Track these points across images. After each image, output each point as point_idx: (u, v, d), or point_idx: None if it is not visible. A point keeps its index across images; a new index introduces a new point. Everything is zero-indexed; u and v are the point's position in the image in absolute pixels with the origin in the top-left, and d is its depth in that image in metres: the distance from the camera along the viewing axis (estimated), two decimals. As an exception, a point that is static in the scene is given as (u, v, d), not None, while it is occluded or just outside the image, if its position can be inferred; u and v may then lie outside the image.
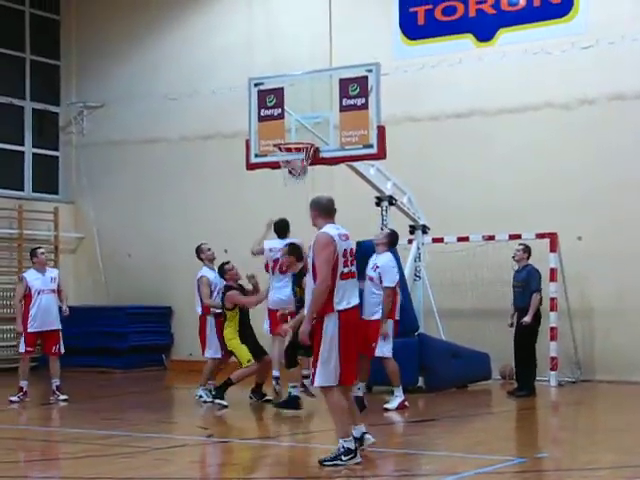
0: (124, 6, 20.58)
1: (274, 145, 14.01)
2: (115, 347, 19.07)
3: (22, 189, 20.65)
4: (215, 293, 13.81)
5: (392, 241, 13.05)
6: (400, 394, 12.69)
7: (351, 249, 8.85)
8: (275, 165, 14.10)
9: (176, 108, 19.70)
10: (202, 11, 19.98)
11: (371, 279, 12.60)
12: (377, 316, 12.40)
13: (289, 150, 13.75)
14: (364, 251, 14.69)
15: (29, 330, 13.87)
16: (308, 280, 8.75)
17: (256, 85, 14.43)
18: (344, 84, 13.97)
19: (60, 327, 14.15)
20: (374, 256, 12.85)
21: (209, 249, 14.35)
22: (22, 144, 20.69)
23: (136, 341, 19.21)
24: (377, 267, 12.63)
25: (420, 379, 14.40)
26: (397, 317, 12.68)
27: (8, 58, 20.44)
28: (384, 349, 12.48)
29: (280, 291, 13.35)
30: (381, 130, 13.62)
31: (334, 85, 14.35)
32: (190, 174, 19.76)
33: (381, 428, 11.40)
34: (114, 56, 20.67)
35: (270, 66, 17.58)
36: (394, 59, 17.37)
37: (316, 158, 13.87)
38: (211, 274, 13.96)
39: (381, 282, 12.49)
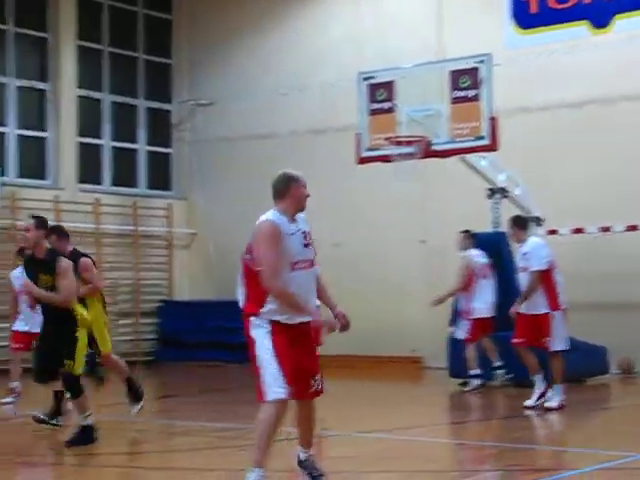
0: (233, 4, 20.75)
1: (385, 139, 14.00)
2: (229, 341, 19.22)
3: (136, 186, 21.03)
4: None
5: (519, 225, 12.18)
6: (558, 393, 11.81)
7: None
8: (386, 159, 14.08)
9: (286, 103, 19.76)
10: (310, 5, 20.01)
11: (524, 269, 11.88)
12: (544, 309, 11.74)
13: (400, 143, 13.70)
14: (478, 244, 14.58)
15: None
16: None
17: (366, 79, 14.43)
18: (455, 76, 13.91)
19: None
20: (521, 247, 12.11)
21: None
22: (136, 142, 21.06)
23: (250, 336, 19.32)
24: (525, 254, 11.86)
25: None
26: (563, 306, 11.82)
27: (122, 58, 20.82)
28: (553, 341, 11.79)
29: (482, 297, 13.51)
30: (493, 122, 13.49)
31: (444, 77, 14.26)
32: (300, 169, 19.65)
33: (495, 422, 11.27)
34: (224, 53, 20.86)
35: (379, 59, 17.48)
36: (506, 49, 17.07)
37: (428, 151, 13.81)
38: None
39: None
